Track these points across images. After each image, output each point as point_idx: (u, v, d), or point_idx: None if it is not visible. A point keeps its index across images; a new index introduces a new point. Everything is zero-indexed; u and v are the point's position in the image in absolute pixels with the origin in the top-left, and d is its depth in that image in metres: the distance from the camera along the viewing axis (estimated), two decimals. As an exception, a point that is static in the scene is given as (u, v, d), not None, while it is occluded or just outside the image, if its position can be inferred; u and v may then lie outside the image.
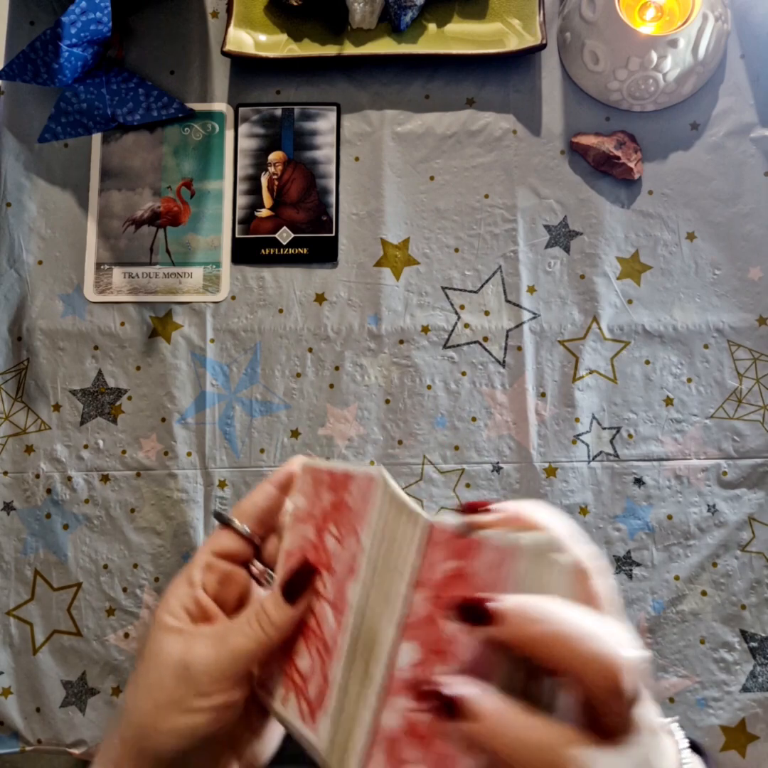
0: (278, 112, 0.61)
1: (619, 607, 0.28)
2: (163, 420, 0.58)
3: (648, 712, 0.26)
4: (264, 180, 0.60)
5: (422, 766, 0.26)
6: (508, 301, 0.58)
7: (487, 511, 0.28)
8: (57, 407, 0.58)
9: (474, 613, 0.25)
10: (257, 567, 0.37)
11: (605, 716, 0.25)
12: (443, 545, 0.27)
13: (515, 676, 0.26)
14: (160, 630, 0.32)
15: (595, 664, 0.23)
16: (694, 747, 0.34)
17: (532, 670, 0.26)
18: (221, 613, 0.34)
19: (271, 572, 0.36)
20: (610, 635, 0.24)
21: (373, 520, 0.30)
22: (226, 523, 0.35)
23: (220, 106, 0.61)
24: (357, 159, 0.60)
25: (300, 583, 0.32)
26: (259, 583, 0.37)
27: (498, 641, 0.25)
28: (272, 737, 0.36)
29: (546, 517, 0.28)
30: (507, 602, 0.25)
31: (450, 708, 0.25)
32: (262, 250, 0.59)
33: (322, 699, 0.31)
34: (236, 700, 0.32)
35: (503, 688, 0.25)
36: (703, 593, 0.54)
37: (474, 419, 0.57)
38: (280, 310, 0.59)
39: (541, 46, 0.57)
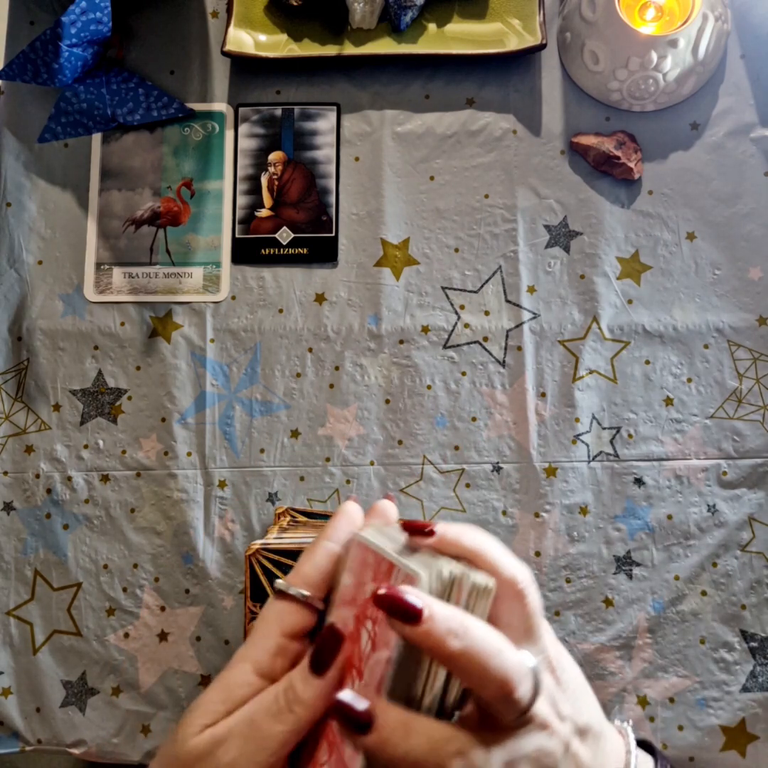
0: (278, 112, 0.61)
1: (542, 616, 0.32)
2: (163, 420, 0.58)
3: (542, 709, 0.29)
4: (264, 180, 0.60)
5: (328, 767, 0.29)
6: (508, 301, 0.58)
7: (431, 534, 0.31)
8: (57, 407, 0.58)
9: (404, 612, 0.27)
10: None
11: (500, 717, 0.28)
12: (372, 566, 0.30)
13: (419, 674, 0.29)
14: (192, 715, 0.29)
15: (494, 680, 0.27)
16: (647, 747, 0.35)
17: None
18: None
19: None
20: (511, 652, 0.28)
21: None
22: (297, 598, 0.31)
23: (220, 106, 0.61)
24: (357, 159, 0.60)
25: (328, 653, 0.30)
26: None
27: (421, 643, 0.27)
28: None
29: (479, 542, 0.31)
30: (435, 608, 0.27)
31: (349, 720, 0.28)
32: (262, 250, 0.59)
33: None
34: None
35: (406, 685, 0.28)
36: (703, 593, 0.54)
37: (474, 419, 0.57)
38: (280, 310, 0.59)
39: (541, 46, 0.57)
